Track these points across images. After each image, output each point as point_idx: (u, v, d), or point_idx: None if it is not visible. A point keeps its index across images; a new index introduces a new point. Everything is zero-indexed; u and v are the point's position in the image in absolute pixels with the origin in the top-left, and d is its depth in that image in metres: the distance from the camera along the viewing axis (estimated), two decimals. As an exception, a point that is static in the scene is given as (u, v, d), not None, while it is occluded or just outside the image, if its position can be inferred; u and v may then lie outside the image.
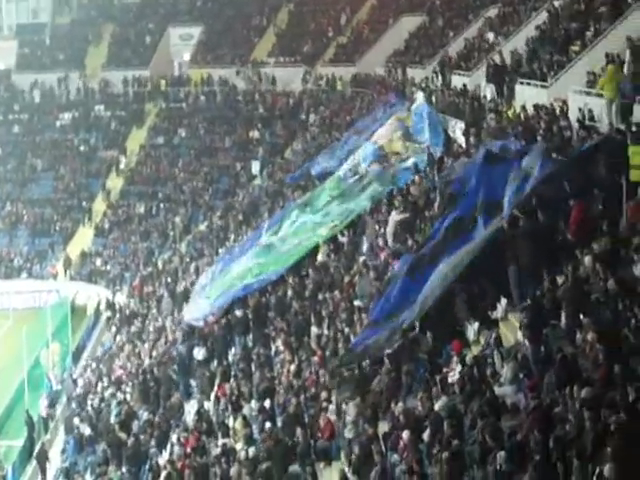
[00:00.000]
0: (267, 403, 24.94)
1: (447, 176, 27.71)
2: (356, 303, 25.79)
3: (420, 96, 38.09)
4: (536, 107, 29.35)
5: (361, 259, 28.71)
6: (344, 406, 21.12)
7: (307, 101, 60.87)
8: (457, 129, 33.43)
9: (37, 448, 33.45)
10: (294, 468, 20.96)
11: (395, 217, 28.12)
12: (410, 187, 30.65)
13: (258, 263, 33.87)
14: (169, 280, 43.79)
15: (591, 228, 19.54)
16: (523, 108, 30.40)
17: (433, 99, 38.97)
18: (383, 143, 36.22)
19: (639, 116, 23.77)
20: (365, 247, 29.80)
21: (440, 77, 42.45)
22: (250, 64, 66.18)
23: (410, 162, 33.65)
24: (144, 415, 29.82)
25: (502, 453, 14.41)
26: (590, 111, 26.42)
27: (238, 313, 31.89)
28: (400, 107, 40.08)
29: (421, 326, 20.95)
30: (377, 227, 29.89)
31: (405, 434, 17.68)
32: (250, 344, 29.79)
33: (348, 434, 20.38)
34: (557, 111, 28.05)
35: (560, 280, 18.94)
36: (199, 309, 34.77)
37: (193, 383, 30.71)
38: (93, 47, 72.86)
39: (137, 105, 67.59)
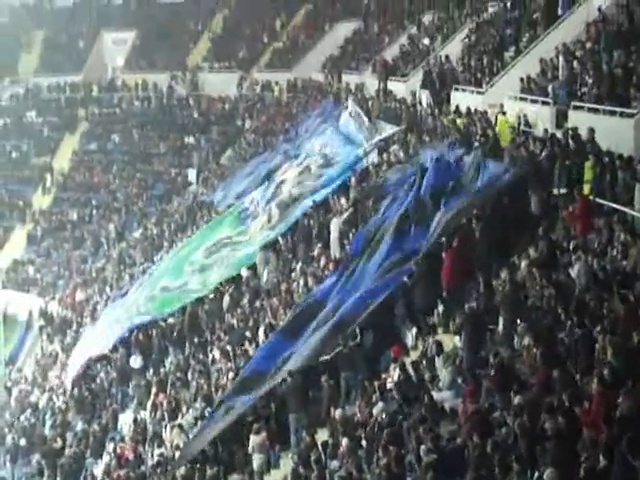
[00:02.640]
0: (206, 411, 24.69)
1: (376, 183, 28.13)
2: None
3: (349, 105, 37.99)
4: (470, 113, 29.56)
5: (298, 266, 28.63)
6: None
7: (243, 107, 60.58)
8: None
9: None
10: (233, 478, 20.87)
11: (337, 221, 28.12)
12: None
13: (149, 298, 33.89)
14: (103, 288, 43.29)
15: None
16: (457, 113, 30.62)
17: (370, 105, 38.99)
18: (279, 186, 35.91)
19: (573, 122, 24.02)
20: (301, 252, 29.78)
21: (377, 83, 42.43)
22: (185, 69, 65.73)
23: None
24: (79, 425, 29.42)
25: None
26: (525, 116, 26.66)
27: (172, 321, 31.63)
28: (331, 117, 40.05)
29: (361, 332, 20.87)
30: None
31: (344, 441, 17.63)
32: (187, 352, 29.45)
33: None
34: (492, 117, 28.30)
35: (496, 285, 19.05)
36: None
37: (130, 392, 30.36)
38: (25, 52, 71.81)
39: (70, 111, 66.67)
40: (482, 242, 20.82)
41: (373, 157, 32.72)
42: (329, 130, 37.77)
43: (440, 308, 20.53)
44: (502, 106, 28.11)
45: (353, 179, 31.31)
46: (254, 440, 20.75)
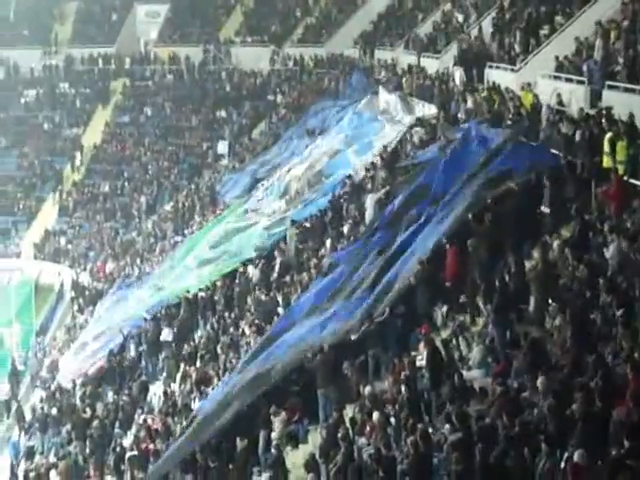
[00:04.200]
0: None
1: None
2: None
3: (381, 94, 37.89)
4: (501, 91, 29.42)
5: (328, 242, 28.71)
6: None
7: (275, 81, 60.49)
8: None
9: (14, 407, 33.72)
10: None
11: (373, 197, 28.19)
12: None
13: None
14: (134, 260, 43.58)
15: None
16: (491, 90, 30.46)
17: (403, 82, 38.90)
18: (290, 180, 36.10)
19: (608, 102, 23.83)
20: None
21: (409, 59, 42.27)
22: (217, 43, 65.65)
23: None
24: (109, 396, 29.66)
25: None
26: (559, 96, 26.47)
27: (203, 295, 31.83)
28: (351, 107, 40.00)
29: (390, 310, 20.87)
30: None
31: (373, 417, 17.65)
32: (216, 326, 29.59)
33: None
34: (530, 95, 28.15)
35: (528, 265, 18.99)
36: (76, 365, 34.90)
37: (159, 365, 30.57)
38: (58, 23, 72.01)
39: (102, 83, 66.90)
40: (514, 221, 20.74)
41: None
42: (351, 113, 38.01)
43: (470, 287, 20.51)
44: (535, 84, 27.99)
45: (379, 159, 31.31)
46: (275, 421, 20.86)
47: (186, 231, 42.34)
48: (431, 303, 20.81)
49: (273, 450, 19.81)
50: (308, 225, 31.38)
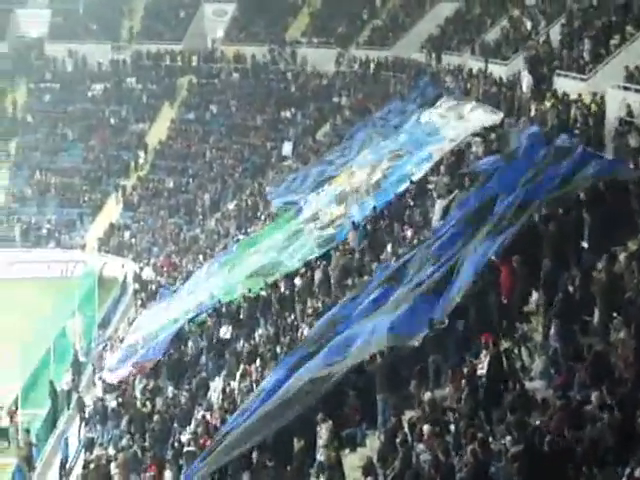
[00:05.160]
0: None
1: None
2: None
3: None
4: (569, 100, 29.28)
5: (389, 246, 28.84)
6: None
7: (340, 83, 60.58)
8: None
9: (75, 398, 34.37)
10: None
11: (441, 203, 28.35)
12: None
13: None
14: (196, 257, 43.99)
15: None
16: (558, 98, 30.34)
17: (469, 87, 38.87)
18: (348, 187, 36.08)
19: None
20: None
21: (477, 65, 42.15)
22: (283, 43, 65.93)
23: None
24: (169, 390, 29.99)
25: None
26: (628, 106, 26.30)
27: (264, 294, 32.07)
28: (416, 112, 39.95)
29: (451, 318, 20.89)
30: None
31: (426, 425, 17.66)
32: (277, 326, 29.80)
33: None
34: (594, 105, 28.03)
35: (594, 276, 18.87)
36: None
37: (219, 361, 30.84)
38: (126, 19, 72.87)
39: (169, 79, 67.59)
40: (581, 232, 20.67)
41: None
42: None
43: (535, 296, 20.48)
44: (604, 94, 27.86)
45: (442, 166, 31.30)
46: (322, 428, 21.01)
47: (249, 230, 42.60)
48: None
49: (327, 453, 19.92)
50: (369, 227, 31.51)
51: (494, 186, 24.70)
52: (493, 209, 23.32)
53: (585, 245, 20.45)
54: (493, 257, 21.02)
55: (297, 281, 31.20)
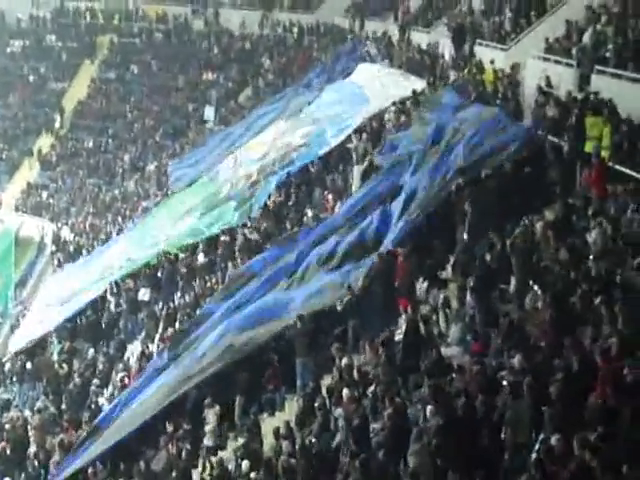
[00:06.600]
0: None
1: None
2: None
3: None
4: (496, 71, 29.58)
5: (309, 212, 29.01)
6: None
7: (263, 46, 60.21)
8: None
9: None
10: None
11: (358, 169, 28.49)
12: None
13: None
14: (115, 218, 43.63)
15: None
16: (479, 68, 30.64)
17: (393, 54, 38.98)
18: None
19: (596, 86, 24.04)
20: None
21: (399, 32, 42.26)
22: (206, 3, 65.23)
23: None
24: (89, 352, 29.77)
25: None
26: (548, 78, 26.65)
27: (182, 256, 32.03)
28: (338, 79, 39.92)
29: (370, 282, 21.09)
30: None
31: (345, 390, 17.86)
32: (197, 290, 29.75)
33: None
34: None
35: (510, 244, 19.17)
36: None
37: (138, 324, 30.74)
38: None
39: (89, 37, 66.49)
40: (497, 200, 20.97)
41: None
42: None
43: (452, 263, 20.79)
44: (524, 65, 28.24)
45: (365, 134, 31.33)
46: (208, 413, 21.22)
47: (169, 192, 42.26)
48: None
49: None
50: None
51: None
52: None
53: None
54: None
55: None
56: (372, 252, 22.26)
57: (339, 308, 21.12)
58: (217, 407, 21.13)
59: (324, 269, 23.28)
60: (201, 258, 31.18)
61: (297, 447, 17.56)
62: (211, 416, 21.10)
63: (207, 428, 21.05)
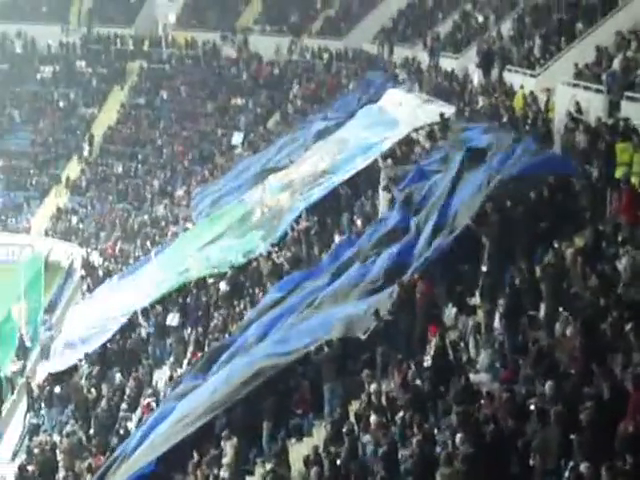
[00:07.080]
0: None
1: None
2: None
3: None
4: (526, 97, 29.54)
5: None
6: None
7: (292, 72, 60.45)
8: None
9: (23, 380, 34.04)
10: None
11: (386, 196, 28.47)
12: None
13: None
14: (144, 243, 43.82)
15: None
16: (508, 94, 30.64)
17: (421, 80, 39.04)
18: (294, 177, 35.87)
19: (627, 112, 23.97)
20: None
21: (428, 58, 42.35)
22: (235, 30, 65.64)
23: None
24: (116, 377, 29.86)
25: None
26: (577, 104, 26.59)
27: (212, 281, 32.08)
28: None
29: (397, 310, 21.04)
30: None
31: (373, 416, 17.82)
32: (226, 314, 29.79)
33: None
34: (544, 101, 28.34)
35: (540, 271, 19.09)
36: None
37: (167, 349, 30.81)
38: (77, 1, 72.02)
39: (119, 63, 67.04)
40: (526, 227, 20.88)
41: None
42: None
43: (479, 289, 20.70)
44: (554, 91, 28.18)
45: (388, 160, 31.36)
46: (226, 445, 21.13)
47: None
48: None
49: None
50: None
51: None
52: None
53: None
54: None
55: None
56: (397, 278, 22.15)
57: (364, 336, 21.01)
58: (235, 439, 20.97)
59: (351, 298, 23.20)
60: (228, 283, 31.18)
61: (326, 473, 17.50)
62: (229, 448, 20.99)
63: (224, 460, 20.89)
